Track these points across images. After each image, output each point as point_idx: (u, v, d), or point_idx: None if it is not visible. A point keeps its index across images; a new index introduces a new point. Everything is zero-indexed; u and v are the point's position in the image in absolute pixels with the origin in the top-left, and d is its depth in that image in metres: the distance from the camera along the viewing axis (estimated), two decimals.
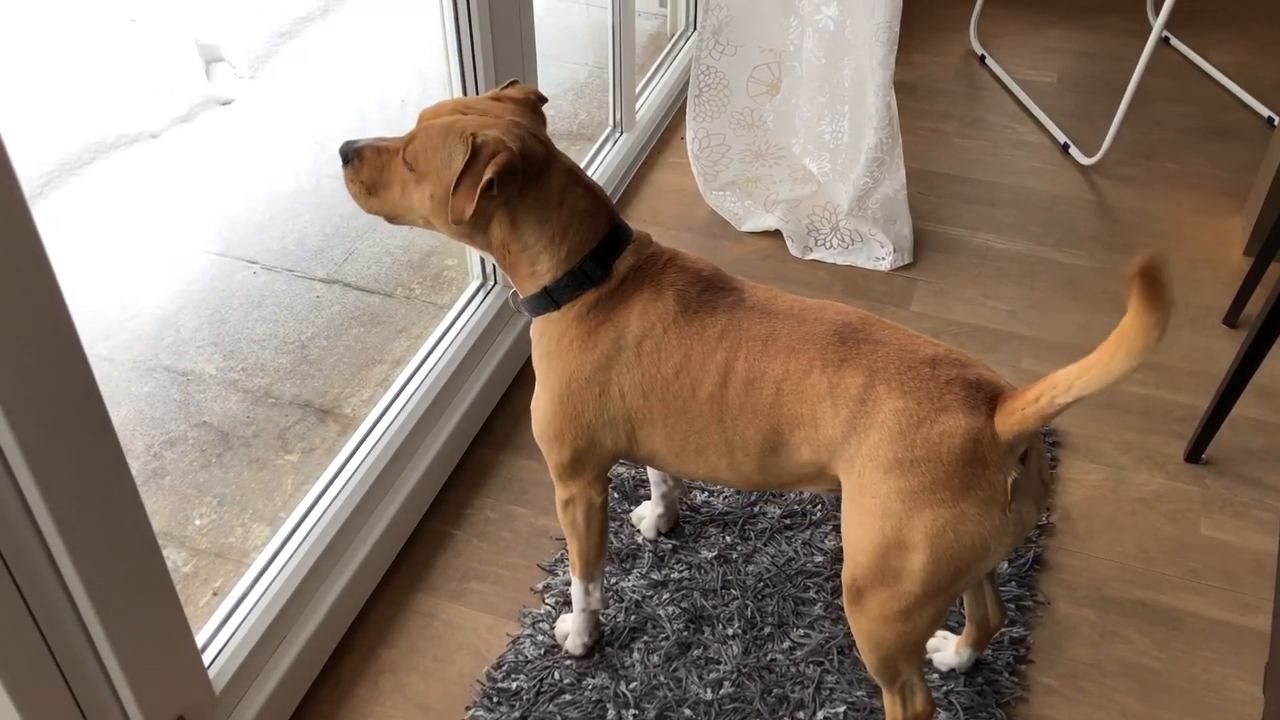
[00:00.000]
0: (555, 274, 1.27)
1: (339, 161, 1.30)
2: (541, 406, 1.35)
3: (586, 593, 1.52)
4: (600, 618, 1.59)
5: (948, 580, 1.18)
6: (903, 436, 1.14)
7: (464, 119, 1.23)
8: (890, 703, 1.36)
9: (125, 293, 2.22)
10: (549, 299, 1.29)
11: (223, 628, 1.48)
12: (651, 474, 1.68)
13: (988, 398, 1.14)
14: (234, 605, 1.51)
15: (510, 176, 1.19)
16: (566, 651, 1.57)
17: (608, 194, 1.31)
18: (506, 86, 1.32)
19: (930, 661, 1.56)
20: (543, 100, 1.33)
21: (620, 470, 1.83)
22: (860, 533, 1.20)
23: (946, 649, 1.55)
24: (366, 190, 1.29)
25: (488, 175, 1.17)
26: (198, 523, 1.76)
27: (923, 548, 1.15)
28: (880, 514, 1.17)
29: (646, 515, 1.72)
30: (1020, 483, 1.14)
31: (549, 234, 1.26)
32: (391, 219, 1.32)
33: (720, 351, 1.24)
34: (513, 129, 1.22)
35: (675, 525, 1.73)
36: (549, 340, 1.32)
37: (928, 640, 1.29)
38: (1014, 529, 1.15)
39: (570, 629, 1.57)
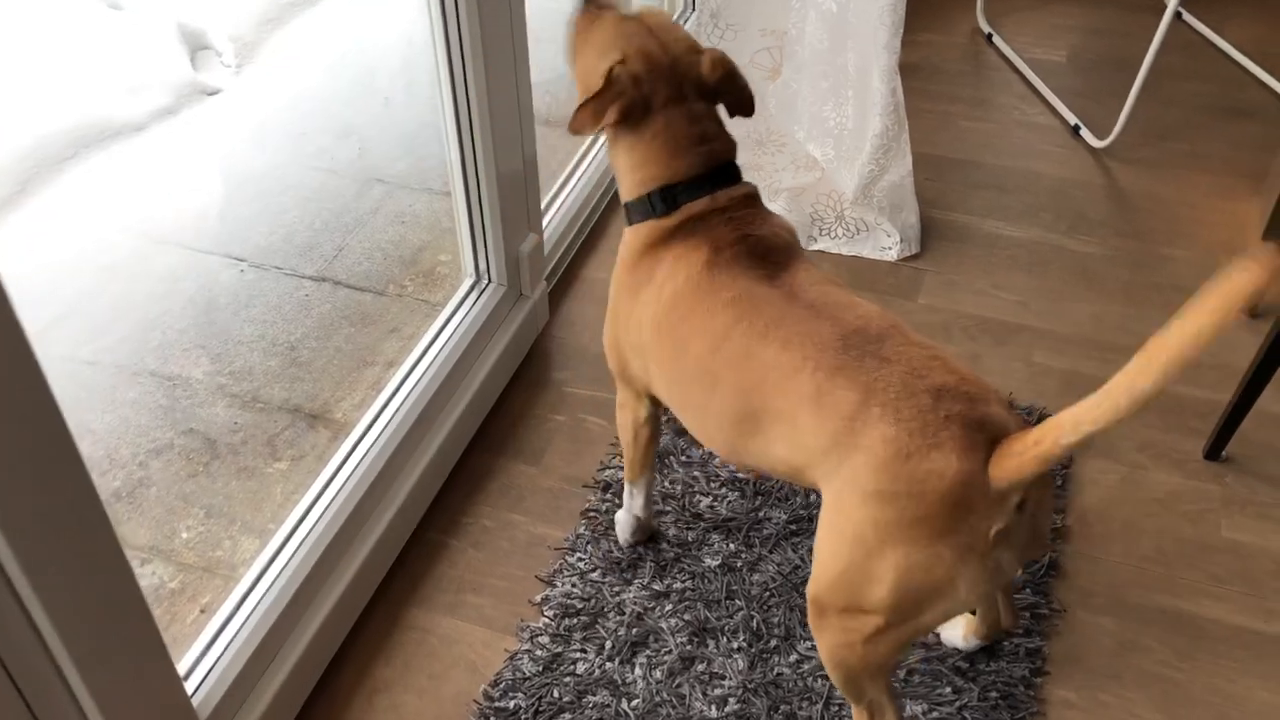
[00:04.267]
0: (631, 195, 1.36)
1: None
2: (607, 312, 1.45)
3: (630, 495, 1.60)
4: (651, 523, 1.66)
5: (911, 615, 1.13)
6: (886, 467, 1.08)
7: (633, 39, 1.31)
8: (859, 717, 1.32)
9: (110, 293, 2.16)
10: (627, 214, 1.38)
11: (211, 647, 1.43)
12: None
13: (990, 439, 1.06)
14: (222, 624, 1.45)
15: (627, 117, 1.30)
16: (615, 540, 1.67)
17: (724, 143, 1.35)
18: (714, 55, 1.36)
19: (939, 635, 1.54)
20: (733, 85, 1.36)
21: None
22: (829, 551, 1.16)
23: (956, 629, 1.52)
24: (575, 33, 1.39)
25: (611, 117, 1.29)
26: (184, 535, 1.71)
27: (889, 582, 1.10)
28: (852, 539, 1.12)
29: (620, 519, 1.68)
30: (1007, 532, 1.07)
31: (632, 161, 1.34)
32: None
33: (722, 317, 1.24)
34: (654, 69, 1.30)
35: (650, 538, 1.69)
36: (620, 252, 1.41)
37: (892, 664, 1.24)
38: (991, 577, 1.10)
39: (619, 524, 1.65)
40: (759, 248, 1.28)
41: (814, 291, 1.23)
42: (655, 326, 1.31)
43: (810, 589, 1.20)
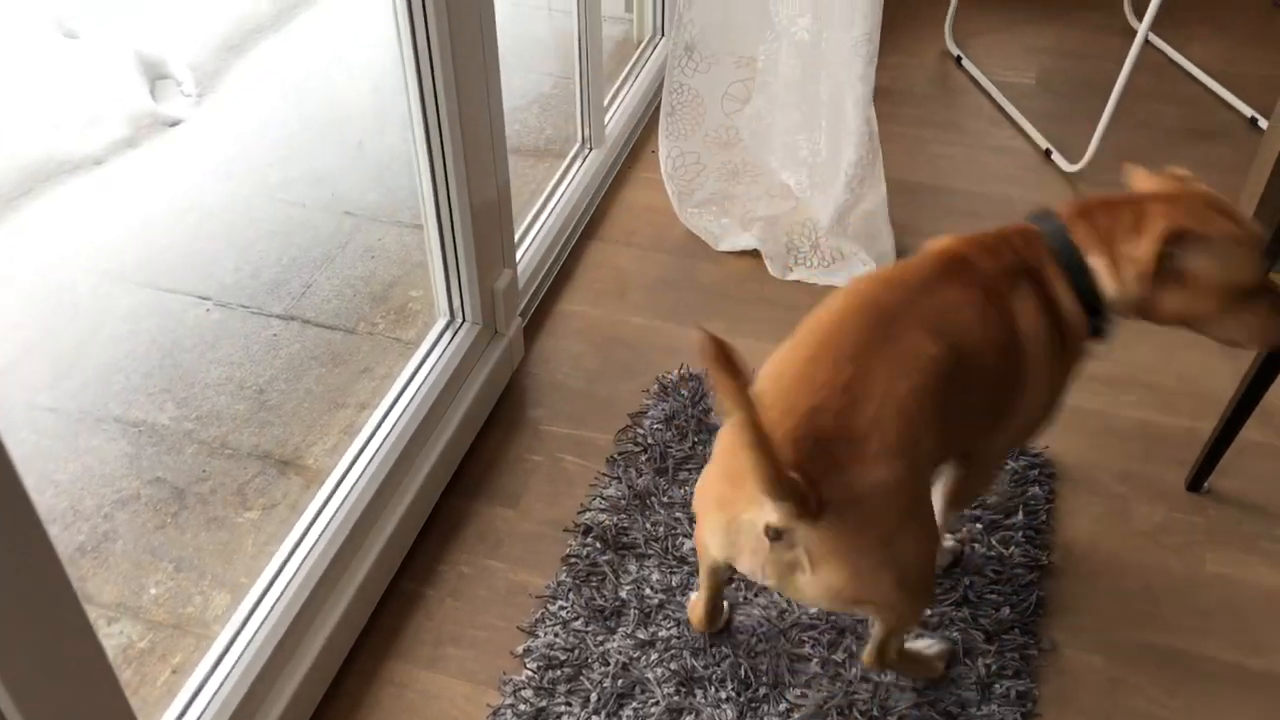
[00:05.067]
0: None
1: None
2: None
3: None
4: None
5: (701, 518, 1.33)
6: (750, 424, 1.20)
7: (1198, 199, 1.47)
8: None
9: (70, 335, 2.09)
10: None
11: (186, 713, 1.38)
12: None
13: (825, 456, 1.18)
14: (197, 687, 1.41)
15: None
16: None
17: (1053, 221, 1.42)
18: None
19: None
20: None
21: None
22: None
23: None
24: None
25: None
26: (153, 591, 1.65)
27: (699, 486, 1.34)
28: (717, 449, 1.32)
29: None
30: (752, 545, 1.22)
31: None
32: None
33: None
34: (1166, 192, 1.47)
35: None
36: None
37: (703, 559, 1.43)
38: (726, 547, 1.26)
39: None
40: (947, 272, 1.35)
41: (914, 274, 1.34)
42: None
43: None
